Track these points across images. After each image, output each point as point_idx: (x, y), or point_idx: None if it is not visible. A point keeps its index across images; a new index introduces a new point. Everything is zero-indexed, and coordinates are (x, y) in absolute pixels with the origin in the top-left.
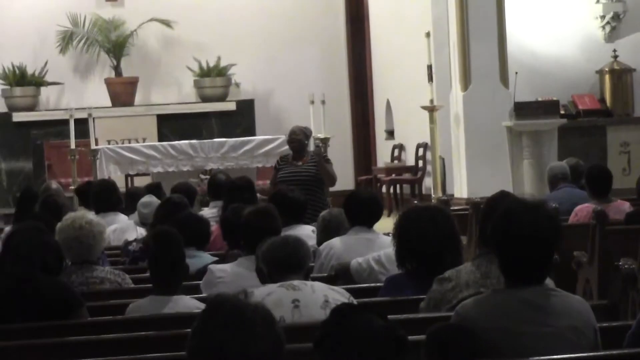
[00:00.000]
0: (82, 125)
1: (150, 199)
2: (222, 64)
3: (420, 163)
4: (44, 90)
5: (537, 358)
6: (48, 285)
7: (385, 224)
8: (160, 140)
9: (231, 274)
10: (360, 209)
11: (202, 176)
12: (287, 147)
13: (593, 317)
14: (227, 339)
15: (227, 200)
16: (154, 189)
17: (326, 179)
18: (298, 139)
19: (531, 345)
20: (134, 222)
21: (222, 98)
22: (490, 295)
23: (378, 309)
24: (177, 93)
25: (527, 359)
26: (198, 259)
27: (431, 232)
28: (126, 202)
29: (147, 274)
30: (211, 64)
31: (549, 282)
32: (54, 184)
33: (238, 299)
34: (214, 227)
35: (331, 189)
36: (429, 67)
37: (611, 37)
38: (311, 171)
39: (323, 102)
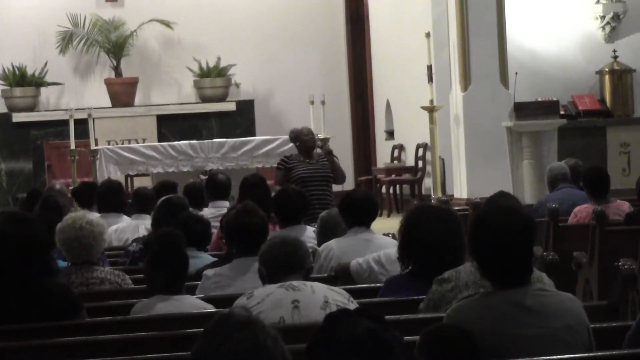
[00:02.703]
0: (82, 126)
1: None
2: (222, 64)
3: (420, 163)
4: (43, 90)
5: (537, 358)
6: (51, 288)
7: (385, 224)
8: (160, 140)
9: (227, 277)
10: (357, 209)
11: (202, 177)
12: (287, 147)
13: (585, 315)
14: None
15: (240, 198)
16: (170, 188)
17: (339, 177)
18: (314, 138)
19: (525, 347)
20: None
21: (222, 98)
22: (480, 298)
23: (376, 311)
24: (177, 93)
25: (526, 359)
26: (198, 259)
27: (439, 229)
28: (133, 202)
29: None
30: (211, 65)
31: (549, 282)
32: (58, 185)
33: (229, 313)
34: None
35: (332, 189)
36: (429, 67)
37: (611, 37)
38: (327, 168)
39: (323, 102)
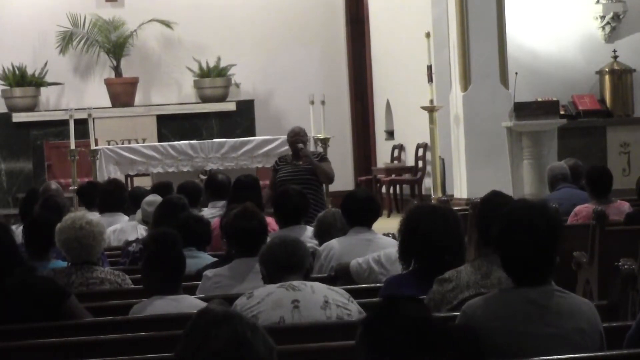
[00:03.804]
0: (82, 126)
1: (155, 198)
2: (222, 64)
3: (420, 163)
4: (44, 90)
5: (539, 358)
6: (31, 281)
7: (385, 224)
8: (160, 140)
9: (227, 278)
10: (358, 209)
11: (202, 177)
12: (287, 147)
13: (599, 320)
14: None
15: (231, 200)
16: (164, 188)
17: (322, 178)
18: (303, 140)
19: (536, 346)
20: (136, 220)
21: (222, 98)
22: (497, 295)
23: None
24: (177, 93)
25: (530, 359)
26: (198, 259)
27: (440, 228)
28: (129, 202)
29: None
30: (211, 65)
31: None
32: (54, 185)
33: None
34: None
35: (332, 189)
36: (429, 67)
37: (611, 37)
38: (310, 171)
39: (323, 102)
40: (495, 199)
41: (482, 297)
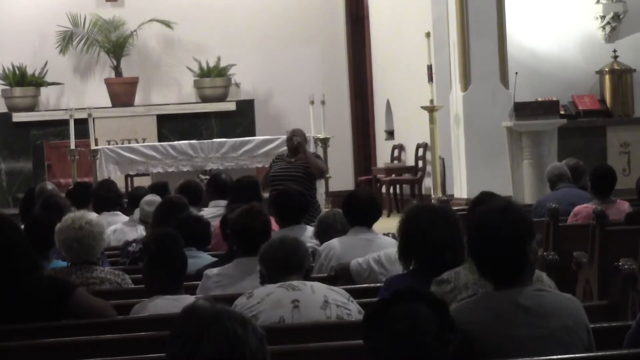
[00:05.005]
0: (82, 126)
1: (153, 198)
2: (222, 64)
3: (420, 163)
4: (44, 90)
5: (537, 358)
6: (37, 281)
7: (385, 224)
8: (160, 140)
9: (228, 277)
10: (359, 209)
11: (202, 176)
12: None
13: (585, 315)
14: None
15: (231, 200)
16: (160, 188)
17: (316, 172)
18: (299, 140)
19: (523, 348)
20: (135, 220)
21: (222, 98)
22: (481, 298)
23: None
24: (177, 93)
25: (527, 359)
26: (198, 259)
27: (440, 228)
28: (129, 203)
29: None
30: (211, 64)
31: (548, 281)
32: (49, 185)
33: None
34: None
35: (332, 189)
36: (429, 67)
37: (611, 37)
38: (302, 167)
39: (323, 102)
40: (488, 199)
41: (465, 301)
